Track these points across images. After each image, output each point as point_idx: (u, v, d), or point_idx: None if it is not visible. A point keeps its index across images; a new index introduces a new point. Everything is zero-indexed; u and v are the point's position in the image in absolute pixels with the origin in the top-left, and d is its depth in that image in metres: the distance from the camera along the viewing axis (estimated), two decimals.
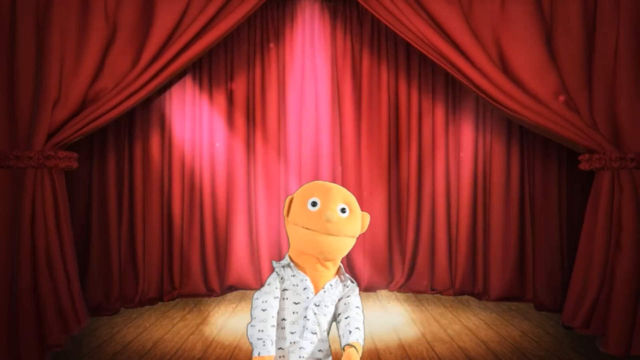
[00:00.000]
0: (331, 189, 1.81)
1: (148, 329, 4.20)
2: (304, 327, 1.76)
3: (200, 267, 5.38)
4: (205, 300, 5.17)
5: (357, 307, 1.84)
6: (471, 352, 3.65)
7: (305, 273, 1.80)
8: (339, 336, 1.80)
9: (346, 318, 1.80)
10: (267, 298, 1.74)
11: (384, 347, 3.72)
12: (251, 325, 1.71)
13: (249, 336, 1.71)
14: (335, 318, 1.84)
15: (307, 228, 1.73)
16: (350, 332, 1.76)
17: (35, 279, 3.63)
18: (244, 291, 5.53)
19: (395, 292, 5.54)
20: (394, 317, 4.57)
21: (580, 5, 4.16)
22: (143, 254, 5.02)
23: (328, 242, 1.73)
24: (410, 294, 5.46)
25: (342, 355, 1.74)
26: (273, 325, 1.71)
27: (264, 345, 1.66)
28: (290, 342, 1.75)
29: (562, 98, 4.07)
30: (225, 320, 4.44)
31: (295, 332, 1.76)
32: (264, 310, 1.71)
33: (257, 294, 1.76)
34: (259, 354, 1.65)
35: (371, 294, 5.48)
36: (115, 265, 4.81)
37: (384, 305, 4.98)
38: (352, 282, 1.89)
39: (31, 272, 3.62)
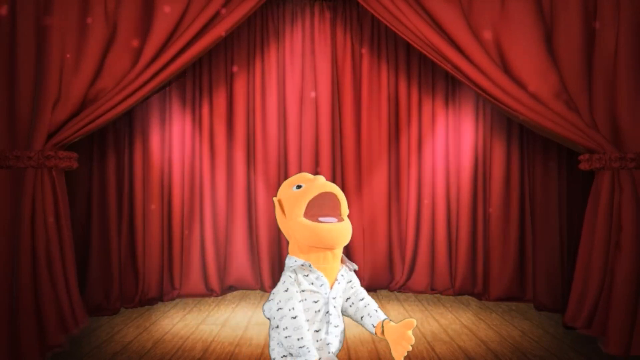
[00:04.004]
0: (316, 177, 1.83)
1: (148, 329, 4.20)
2: (328, 323, 1.75)
3: (200, 267, 5.38)
4: (205, 300, 5.17)
5: (365, 291, 1.91)
6: (471, 352, 3.65)
7: (317, 269, 1.77)
8: (360, 317, 1.83)
9: (361, 300, 1.85)
10: (293, 305, 1.69)
11: (384, 347, 3.71)
12: (286, 337, 1.66)
13: (287, 347, 1.67)
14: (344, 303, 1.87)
15: (309, 207, 1.72)
16: (376, 310, 1.82)
17: (35, 279, 3.63)
18: (244, 291, 5.53)
19: (395, 292, 5.54)
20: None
21: (580, 5, 4.16)
22: (143, 254, 5.01)
23: (337, 227, 1.73)
24: (410, 294, 5.46)
25: (381, 330, 1.75)
26: (308, 329, 1.69)
27: (309, 351, 1.64)
28: (317, 340, 1.74)
29: (562, 97, 4.07)
30: (225, 321, 4.44)
31: (320, 329, 1.75)
32: (294, 317, 1.67)
33: (279, 304, 1.69)
34: None
35: (371, 294, 5.43)
36: (115, 265, 4.81)
37: (384, 305, 4.98)
38: (354, 266, 1.91)
39: (31, 272, 3.62)
